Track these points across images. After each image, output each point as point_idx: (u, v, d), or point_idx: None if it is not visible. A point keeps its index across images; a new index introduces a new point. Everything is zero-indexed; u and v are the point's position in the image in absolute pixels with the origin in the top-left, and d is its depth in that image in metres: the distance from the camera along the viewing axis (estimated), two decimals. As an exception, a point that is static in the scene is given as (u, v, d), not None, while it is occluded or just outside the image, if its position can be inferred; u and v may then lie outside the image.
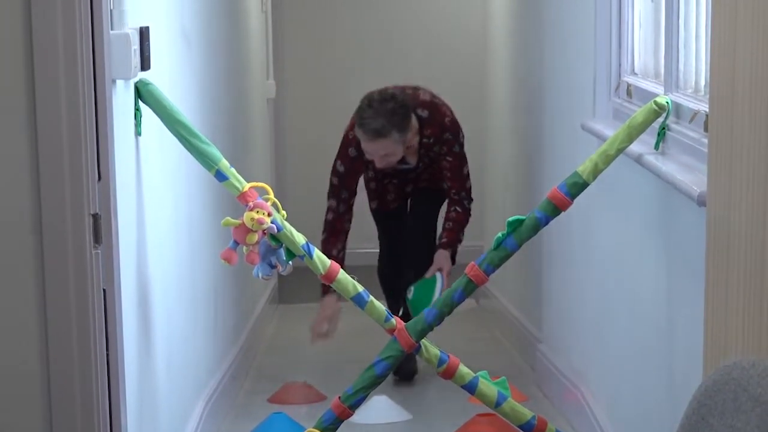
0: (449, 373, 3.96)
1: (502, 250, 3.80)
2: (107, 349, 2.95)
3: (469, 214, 5.17)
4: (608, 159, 3.66)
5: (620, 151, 3.63)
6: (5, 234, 2.88)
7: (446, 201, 5.22)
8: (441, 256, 5.09)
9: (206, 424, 4.29)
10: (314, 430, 3.95)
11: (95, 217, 2.89)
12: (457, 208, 5.14)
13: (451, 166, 5.11)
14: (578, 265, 4.56)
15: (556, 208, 3.73)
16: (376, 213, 5.47)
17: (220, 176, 3.57)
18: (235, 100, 5.41)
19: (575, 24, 4.53)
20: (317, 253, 3.76)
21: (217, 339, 4.72)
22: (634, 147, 3.63)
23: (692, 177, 3.12)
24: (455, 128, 5.12)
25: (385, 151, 4.93)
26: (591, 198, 4.11)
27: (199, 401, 4.31)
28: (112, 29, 2.99)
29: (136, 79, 3.32)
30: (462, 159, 5.13)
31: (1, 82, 2.84)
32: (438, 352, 3.96)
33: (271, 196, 3.63)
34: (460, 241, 5.21)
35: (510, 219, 3.79)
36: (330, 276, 3.78)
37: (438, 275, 5.01)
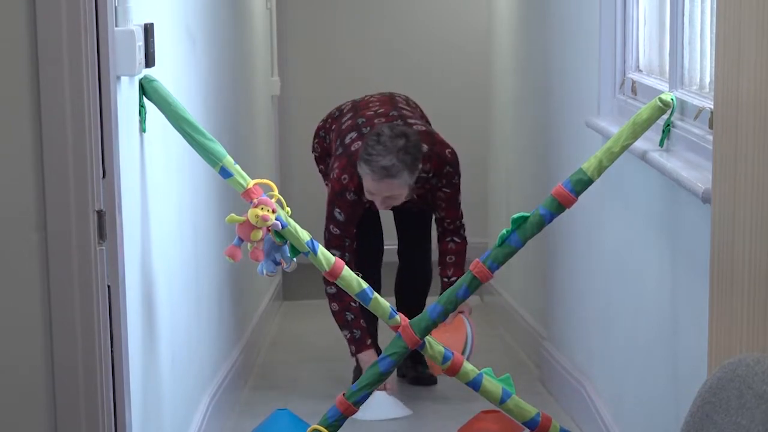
0: (454, 370, 3.96)
1: (507, 246, 3.80)
2: (111, 346, 2.95)
3: (467, 242, 4.93)
4: (613, 156, 3.66)
5: (625, 148, 3.63)
6: (10, 231, 2.88)
7: (438, 230, 4.95)
8: None
9: (210, 420, 4.29)
10: (319, 426, 3.96)
11: (100, 214, 2.89)
12: (455, 239, 4.88)
13: (447, 197, 4.83)
14: (583, 262, 4.56)
15: (560, 205, 3.73)
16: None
17: (225, 173, 3.57)
18: (240, 96, 5.41)
19: (580, 21, 4.52)
20: (321, 250, 3.76)
21: (221, 335, 4.72)
22: (639, 144, 3.63)
23: (697, 174, 3.11)
24: (455, 159, 4.81)
25: (390, 193, 4.57)
26: (595, 195, 4.11)
27: (204, 398, 4.32)
28: (116, 26, 2.99)
29: (141, 76, 3.32)
30: (458, 189, 4.85)
31: (6, 78, 2.84)
32: (442, 349, 3.96)
33: (276, 192, 3.63)
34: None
35: (514, 216, 3.79)
36: (334, 273, 3.78)
37: (465, 321, 4.66)
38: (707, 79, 3.42)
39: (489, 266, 3.83)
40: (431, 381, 5.13)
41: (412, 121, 4.82)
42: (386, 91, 5.17)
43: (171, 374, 3.74)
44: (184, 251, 4.00)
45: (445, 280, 4.83)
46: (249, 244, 3.59)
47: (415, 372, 5.17)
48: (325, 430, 3.96)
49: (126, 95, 3.16)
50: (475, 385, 3.96)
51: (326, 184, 4.97)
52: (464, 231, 4.90)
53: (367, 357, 4.73)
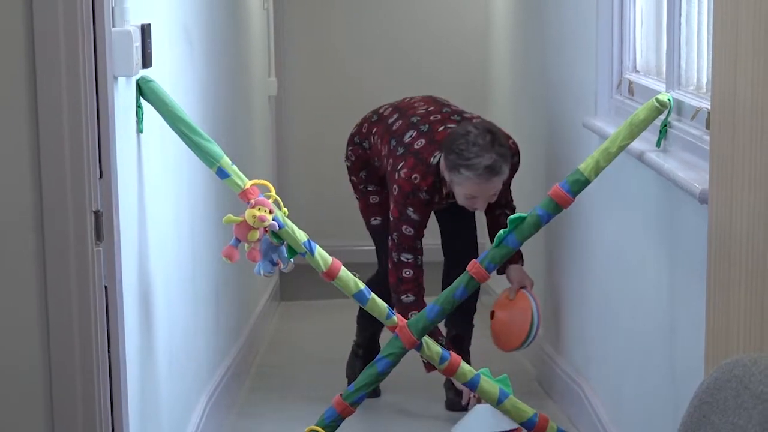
0: (451, 371, 3.96)
1: (504, 247, 3.80)
2: (109, 346, 2.95)
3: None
4: (610, 156, 3.66)
5: (622, 148, 3.63)
6: (7, 231, 2.88)
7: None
8: (518, 272, 4.57)
9: (208, 421, 4.29)
10: (316, 427, 3.96)
11: (97, 214, 2.89)
12: (507, 212, 4.65)
13: (506, 185, 4.62)
14: (580, 263, 4.56)
15: (557, 206, 3.73)
16: (377, 230, 4.84)
17: (222, 173, 3.57)
18: (237, 97, 5.41)
19: (577, 21, 4.52)
20: (318, 250, 3.75)
21: (219, 336, 4.72)
22: (636, 144, 3.63)
23: (694, 174, 3.12)
24: (518, 149, 4.60)
25: (495, 190, 4.36)
26: (593, 195, 4.11)
27: (201, 398, 4.31)
28: (113, 26, 2.99)
29: (138, 77, 3.32)
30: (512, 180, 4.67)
31: (3, 79, 2.84)
32: (440, 350, 3.96)
33: (273, 193, 3.63)
34: (521, 253, 4.67)
35: (511, 216, 3.79)
36: (331, 273, 3.77)
37: (528, 295, 4.49)
38: (704, 80, 3.43)
39: (486, 267, 3.83)
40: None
41: (468, 114, 4.67)
42: (380, 91, 5.11)
43: (168, 375, 3.74)
44: (181, 251, 3.99)
45: None
46: (246, 245, 3.59)
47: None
48: (322, 430, 3.96)
49: (123, 96, 3.16)
50: (472, 385, 3.96)
51: (357, 198, 4.82)
52: (513, 203, 4.74)
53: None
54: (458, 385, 4.49)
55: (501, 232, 3.81)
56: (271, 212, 3.57)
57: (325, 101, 7.47)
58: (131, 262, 3.22)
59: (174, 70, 3.87)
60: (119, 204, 2.99)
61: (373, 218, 4.79)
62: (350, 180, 4.84)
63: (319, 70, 7.49)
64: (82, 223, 2.87)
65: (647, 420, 3.67)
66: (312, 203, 7.35)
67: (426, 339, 3.94)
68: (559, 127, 4.82)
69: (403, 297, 4.46)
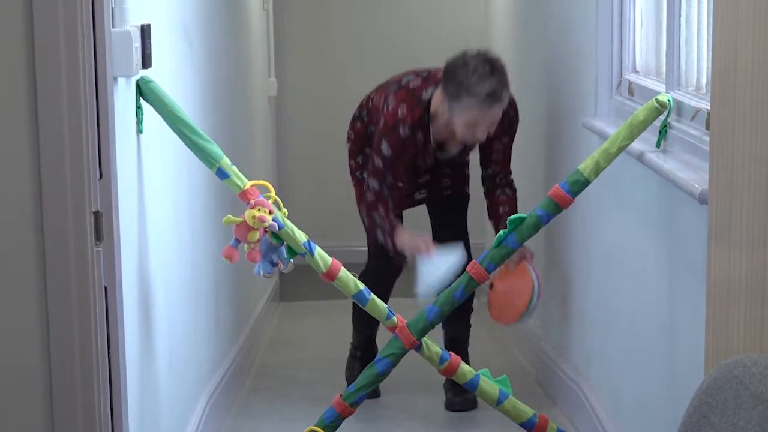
0: (450, 371, 3.96)
1: (504, 248, 3.80)
2: (108, 347, 2.95)
3: (516, 195, 4.70)
4: (610, 157, 3.66)
5: (622, 149, 3.63)
6: (7, 232, 2.88)
7: (486, 185, 4.70)
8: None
9: (207, 421, 4.28)
10: (315, 428, 3.96)
11: (96, 215, 2.89)
12: (507, 191, 4.65)
13: (504, 147, 4.60)
14: (580, 263, 4.55)
15: (557, 206, 3.73)
16: None
17: (222, 174, 3.57)
18: (237, 97, 5.41)
19: (577, 22, 4.52)
20: (318, 251, 3.75)
21: (219, 337, 4.72)
22: (636, 145, 3.63)
23: (694, 175, 3.12)
24: (516, 104, 4.56)
25: (496, 118, 4.36)
26: (592, 196, 4.11)
27: (201, 399, 4.31)
28: (113, 27, 2.99)
29: (138, 77, 3.32)
30: (513, 139, 4.64)
31: (3, 79, 2.84)
32: (439, 350, 3.96)
33: (273, 193, 3.63)
34: None
35: (511, 217, 3.79)
36: (331, 274, 3.77)
37: (529, 267, 4.38)
38: (704, 80, 3.42)
39: (486, 267, 3.83)
40: (469, 406, 4.82)
41: None
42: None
43: (168, 375, 3.74)
44: (181, 252, 3.99)
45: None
46: (246, 245, 3.59)
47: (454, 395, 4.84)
48: (321, 431, 3.96)
49: (123, 96, 3.16)
50: (471, 385, 3.96)
51: (354, 185, 4.77)
52: (514, 184, 4.70)
53: (400, 234, 4.48)
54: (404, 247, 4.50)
55: (501, 232, 3.81)
56: (270, 213, 3.57)
57: (324, 102, 7.47)
58: (131, 262, 3.22)
59: (174, 71, 3.87)
60: (119, 204, 2.99)
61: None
62: (349, 164, 4.80)
63: (318, 70, 7.49)
64: (81, 223, 2.87)
65: (647, 420, 3.67)
66: (312, 204, 7.35)
67: (425, 339, 3.94)
68: (559, 128, 4.82)
69: (369, 216, 4.50)
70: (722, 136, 2.49)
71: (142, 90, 3.34)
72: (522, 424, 3.98)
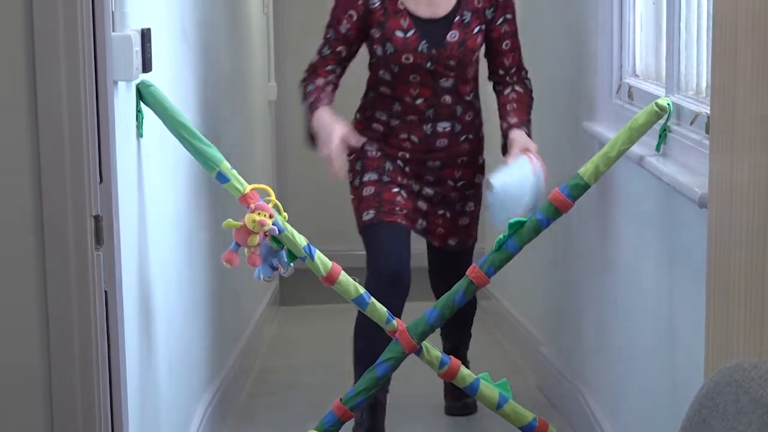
0: (450, 375, 3.96)
1: (504, 251, 3.80)
2: (108, 350, 2.95)
3: (532, 96, 4.27)
4: (609, 161, 3.66)
5: (621, 152, 3.64)
6: (7, 235, 2.88)
7: (496, 87, 4.32)
8: (520, 136, 4.06)
9: (207, 426, 4.28)
10: None
11: (97, 219, 2.89)
12: (517, 88, 4.25)
13: (509, 34, 4.22)
14: (580, 267, 4.56)
15: (557, 210, 3.73)
16: (368, 225, 4.22)
17: (222, 178, 3.57)
18: (237, 102, 5.41)
19: (576, 26, 4.53)
20: (318, 255, 3.75)
21: (218, 341, 4.72)
22: (636, 149, 3.64)
23: (694, 179, 3.12)
24: None
25: None
26: (593, 200, 4.11)
27: (201, 403, 4.31)
28: (113, 31, 2.99)
29: (138, 81, 3.32)
30: (517, 26, 4.23)
31: (3, 83, 2.84)
32: (439, 354, 3.95)
33: (273, 197, 3.64)
34: (530, 122, 4.19)
35: (511, 221, 3.79)
36: (331, 278, 3.77)
37: (525, 160, 3.96)
38: (704, 84, 3.43)
39: (486, 271, 3.83)
40: (469, 411, 4.78)
41: None
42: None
43: (168, 379, 3.74)
44: (180, 256, 4.00)
45: (505, 125, 4.17)
46: (246, 249, 3.59)
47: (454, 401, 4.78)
48: None
49: (123, 100, 3.16)
50: (471, 389, 3.96)
51: (352, 198, 4.36)
52: (530, 83, 4.29)
53: (319, 113, 4.04)
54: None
55: (500, 236, 3.81)
56: (270, 217, 3.57)
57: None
58: (131, 266, 3.22)
59: (174, 75, 3.87)
60: (119, 208, 2.99)
61: (365, 213, 4.25)
62: (348, 174, 4.38)
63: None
64: (82, 227, 2.87)
65: (647, 424, 3.67)
66: (311, 208, 7.35)
67: (425, 343, 3.93)
68: (560, 131, 4.82)
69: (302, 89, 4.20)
70: (722, 140, 2.49)
71: (143, 94, 3.35)
72: (522, 428, 3.98)
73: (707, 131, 3.14)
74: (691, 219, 3.14)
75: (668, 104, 3.52)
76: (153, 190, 3.52)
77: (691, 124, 3.38)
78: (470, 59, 4.22)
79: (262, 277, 3.67)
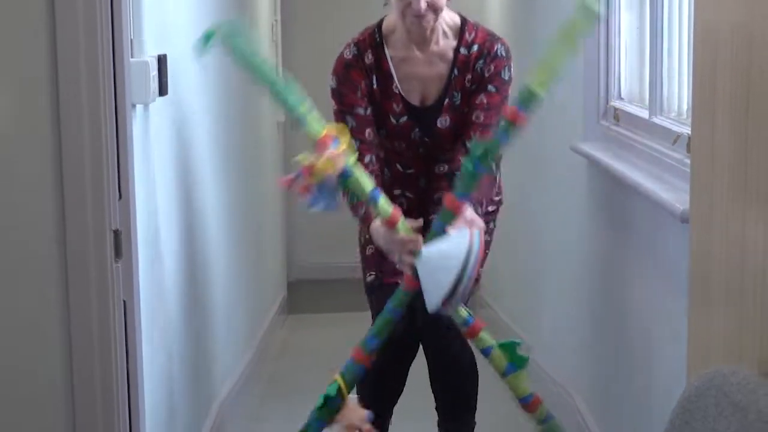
0: (472, 334, 3.59)
1: (471, 173, 3.32)
2: (127, 356, 2.95)
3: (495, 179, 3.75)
4: (554, 73, 3.40)
5: (563, 62, 3.35)
6: (32, 248, 2.88)
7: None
8: (469, 213, 3.42)
9: (221, 427, 4.27)
10: (338, 379, 3.72)
11: (116, 233, 2.89)
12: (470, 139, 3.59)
13: (493, 103, 3.61)
14: (570, 279, 4.55)
15: (513, 124, 3.32)
16: (371, 287, 3.78)
17: (300, 121, 3.37)
18: (247, 122, 5.41)
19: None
20: (382, 199, 3.42)
21: (231, 347, 4.71)
22: (620, 166, 3.63)
23: (675, 195, 3.11)
24: (506, 45, 3.68)
25: None
26: (581, 214, 4.10)
27: (214, 406, 4.30)
28: (132, 57, 2.99)
29: (221, 28, 3.35)
30: (507, 96, 3.65)
31: (29, 106, 2.85)
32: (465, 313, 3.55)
33: (346, 140, 3.39)
34: (483, 204, 3.63)
35: (473, 144, 3.43)
36: (393, 222, 3.38)
37: (465, 234, 3.34)
38: (685, 107, 3.43)
39: (459, 197, 3.37)
40: None
41: None
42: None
43: (183, 383, 3.73)
44: (194, 267, 3.99)
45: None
46: (304, 181, 3.33)
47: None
48: (343, 381, 3.71)
49: (141, 122, 3.16)
50: (485, 353, 3.57)
51: (360, 259, 3.91)
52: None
53: (375, 226, 3.52)
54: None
55: (464, 160, 3.35)
56: (341, 161, 3.34)
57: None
58: (148, 277, 3.22)
59: (189, 97, 3.87)
60: (137, 223, 2.99)
61: (368, 274, 3.81)
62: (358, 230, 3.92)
63: (326, 96, 7.48)
64: (102, 241, 2.87)
65: (634, 427, 3.66)
66: (322, 223, 7.34)
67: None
68: (549, 151, 4.82)
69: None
70: (702, 159, 2.49)
71: (227, 43, 3.34)
72: (519, 399, 3.71)
73: (688, 150, 3.14)
74: (673, 233, 3.13)
75: (594, 3, 3.26)
76: (168, 205, 3.52)
77: (674, 144, 3.38)
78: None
79: (313, 207, 3.38)
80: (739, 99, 2.29)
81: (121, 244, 2.91)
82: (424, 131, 3.71)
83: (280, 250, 6.63)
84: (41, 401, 2.91)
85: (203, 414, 4.13)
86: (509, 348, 3.60)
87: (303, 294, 6.71)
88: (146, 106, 3.22)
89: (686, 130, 3.26)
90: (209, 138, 4.20)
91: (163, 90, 3.29)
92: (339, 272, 6.93)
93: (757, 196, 2.20)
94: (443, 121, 3.70)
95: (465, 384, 3.93)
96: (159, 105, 3.35)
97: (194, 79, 4.02)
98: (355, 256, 3.97)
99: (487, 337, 3.59)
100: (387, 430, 3.96)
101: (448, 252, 3.37)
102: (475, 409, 3.97)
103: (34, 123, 2.85)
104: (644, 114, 3.70)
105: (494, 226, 3.86)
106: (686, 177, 3.05)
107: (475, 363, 3.85)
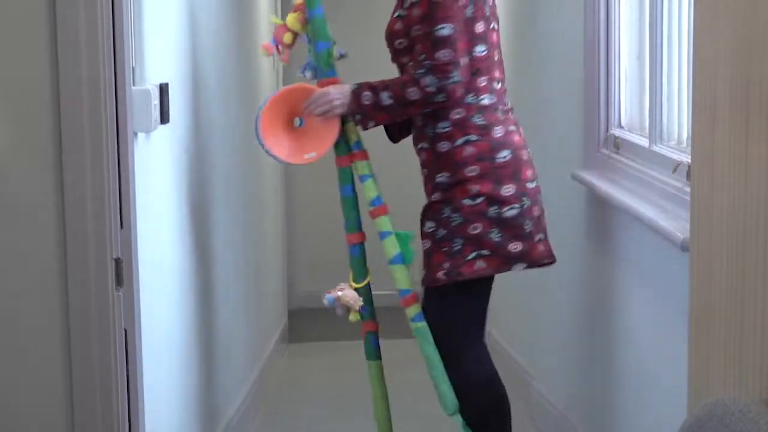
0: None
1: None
2: (128, 385, 2.94)
3: (425, 90, 3.53)
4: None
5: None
6: (33, 276, 2.88)
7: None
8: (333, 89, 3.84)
9: (220, 455, 4.26)
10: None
11: (117, 262, 2.89)
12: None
13: (421, 17, 3.56)
14: (569, 306, 4.54)
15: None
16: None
17: None
18: (248, 152, 5.41)
19: (566, 79, 4.53)
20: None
21: (231, 376, 4.70)
22: (620, 194, 3.63)
23: (676, 224, 3.11)
24: None
25: None
26: (580, 244, 4.10)
27: (214, 434, 4.29)
28: (134, 85, 3.00)
29: None
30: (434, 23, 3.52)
31: (31, 134, 2.85)
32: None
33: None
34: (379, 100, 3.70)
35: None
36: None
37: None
38: (684, 135, 3.43)
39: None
40: None
41: None
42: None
43: (184, 411, 3.72)
44: (195, 296, 3.99)
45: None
46: (280, 47, 3.76)
47: None
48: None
49: (143, 150, 3.16)
50: (381, 236, 3.71)
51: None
52: (427, 76, 3.51)
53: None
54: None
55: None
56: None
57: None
58: (149, 306, 3.21)
59: (189, 124, 3.87)
60: (138, 252, 2.98)
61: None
62: None
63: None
64: (103, 269, 2.87)
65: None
66: (322, 248, 7.34)
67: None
68: (549, 179, 4.82)
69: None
70: (702, 187, 2.49)
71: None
72: (399, 291, 3.71)
73: (688, 178, 3.13)
74: (673, 262, 3.13)
75: None
76: (170, 234, 3.52)
77: (674, 172, 3.38)
78: (391, 43, 3.76)
79: (302, 73, 3.82)
80: (739, 127, 2.29)
81: (122, 272, 2.90)
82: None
83: (280, 278, 6.63)
84: (42, 428, 2.90)
85: (204, 442, 4.12)
86: (404, 239, 3.72)
87: (304, 322, 6.70)
88: (148, 134, 3.22)
89: (686, 158, 3.26)
90: (210, 167, 4.20)
91: (164, 118, 3.29)
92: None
93: (757, 224, 2.20)
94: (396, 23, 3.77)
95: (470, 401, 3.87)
96: (161, 133, 3.35)
97: (196, 107, 4.02)
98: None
99: (387, 222, 3.71)
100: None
101: None
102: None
103: (36, 152, 2.85)
104: (644, 142, 3.70)
105: (458, 221, 3.62)
106: (686, 205, 3.05)
107: (482, 385, 3.83)
